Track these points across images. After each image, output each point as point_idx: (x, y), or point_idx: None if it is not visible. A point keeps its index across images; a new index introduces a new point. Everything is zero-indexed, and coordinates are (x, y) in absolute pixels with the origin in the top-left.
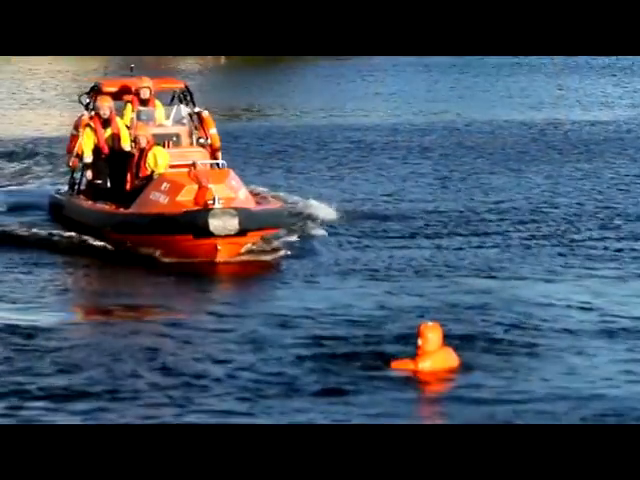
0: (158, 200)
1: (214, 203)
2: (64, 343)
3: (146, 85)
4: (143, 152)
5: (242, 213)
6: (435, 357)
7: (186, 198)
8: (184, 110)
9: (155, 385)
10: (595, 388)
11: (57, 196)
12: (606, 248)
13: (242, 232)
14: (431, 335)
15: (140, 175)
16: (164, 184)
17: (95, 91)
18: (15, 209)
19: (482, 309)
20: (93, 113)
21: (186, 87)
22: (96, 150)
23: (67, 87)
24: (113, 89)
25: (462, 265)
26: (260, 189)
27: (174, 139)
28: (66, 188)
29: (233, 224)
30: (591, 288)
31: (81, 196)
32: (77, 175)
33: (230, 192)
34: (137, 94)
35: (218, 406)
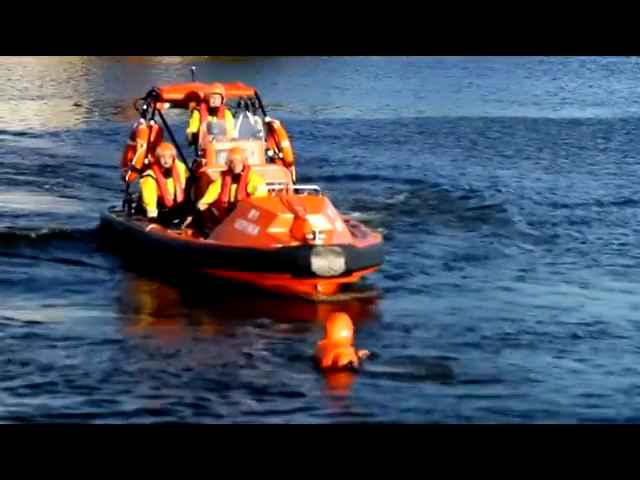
0: (245, 230)
1: (314, 238)
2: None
3: (218, 92)
4: (239, 177)
5: (348, 251)
6: (327, 350)
7: (280, 230)
8: (259, 122)
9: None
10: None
11: (113, 216)
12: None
13: (348, 273)
14: (329, 327)
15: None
16: (252, 212)
17: (153, 97)
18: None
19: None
20: (151, 122)
21: (256, 94)
22: (159, 202)
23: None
24: (175, 96)
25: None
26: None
27: (249, 155)
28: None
29: (339, 264)
30: (588, 289)
31: (142, 217)
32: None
33: (328, 224)
34: (206, 102)
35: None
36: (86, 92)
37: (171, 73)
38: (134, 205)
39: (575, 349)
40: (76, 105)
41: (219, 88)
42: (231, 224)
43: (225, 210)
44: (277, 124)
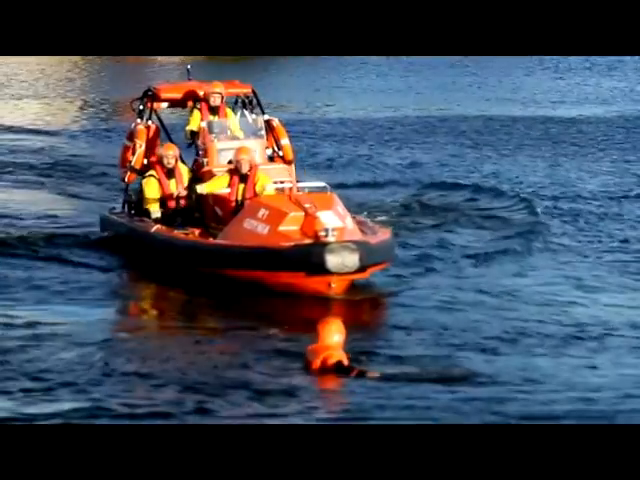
0: (255, 230)
1: (327, 235)
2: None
3: (218, 91)
4: (246, 177)
5: (362, 248)
6: (317, 353)
7: (290, 228)
8: (260, 120)
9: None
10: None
11: (115, 218)
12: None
13: (362, 269)
14: (321, 331)
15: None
16: (261, 211)
17: (150, 97)
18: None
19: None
20: (149, 123)
21: (253, 92)
22: (161, 203)
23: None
24: (173, 95)
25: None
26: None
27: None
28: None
29: (353, 260)
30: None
31: (145, 219)
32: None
33: (339, 221)
34: (206, 100)
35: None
36: (87, 91)
37: (172, 72)
38: (134, 206)
39: (576, 348)
40: (75, 104)
41: (219, 87)
42: (240, 224)
43: (232, 210)
44: (276, 122)
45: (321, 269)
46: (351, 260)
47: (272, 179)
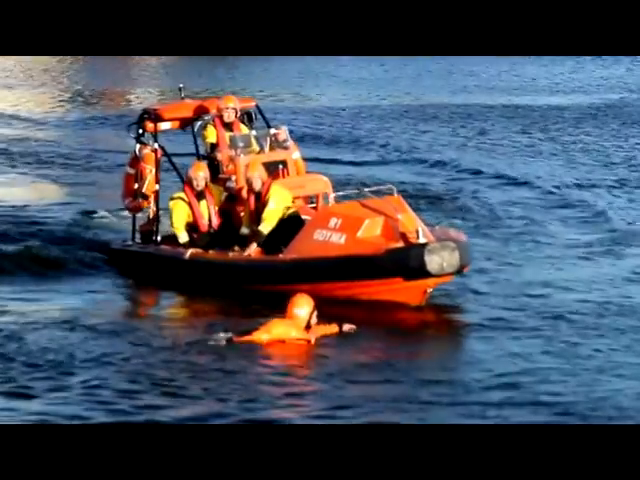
0: (329, 240)
1: (418, 237)
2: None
3: (232, 106)
4: (260, 195)
5: (461, 246)
6: (276, 327)
7: (371, 234)
8: (285, 131)
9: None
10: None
11: (136, 248)
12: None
13: (460, 270)
14: (289, 305)
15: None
16: (332, 220)
17: (151, 119)
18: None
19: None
20: (155, 145)
21: (257, 106)
22: (191, 227)
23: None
24: (177, 115)
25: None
26: None
27: (280, 166)
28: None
29: (455, 260)
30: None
31: (173, 244)
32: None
33: (417, 223)
34: (220, 116)
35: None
36: (71, 84)
37: (148, 68)
38: (147, 234)
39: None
40: (71, 96)
41: (233, 102)
42: (309, 236)
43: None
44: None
45: (421, 272)
46: (453, 260)
47: (307, 192)
